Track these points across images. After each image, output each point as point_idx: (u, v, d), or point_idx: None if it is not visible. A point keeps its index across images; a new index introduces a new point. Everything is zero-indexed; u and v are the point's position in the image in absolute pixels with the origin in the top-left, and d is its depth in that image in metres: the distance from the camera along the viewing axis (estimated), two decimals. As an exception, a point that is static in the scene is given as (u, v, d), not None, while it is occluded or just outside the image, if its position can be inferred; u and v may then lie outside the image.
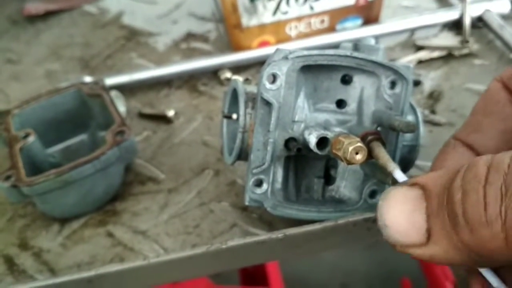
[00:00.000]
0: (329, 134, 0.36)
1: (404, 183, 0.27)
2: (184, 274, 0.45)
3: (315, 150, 0.36)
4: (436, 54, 0.60)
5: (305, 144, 0.38)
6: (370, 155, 0.34)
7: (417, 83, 0.57)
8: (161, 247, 0.44)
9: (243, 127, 0.40)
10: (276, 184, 0.41)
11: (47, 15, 0.80)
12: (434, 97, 0.55)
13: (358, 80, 0.40)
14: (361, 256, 1.50)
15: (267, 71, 0.37)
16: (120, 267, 0.42)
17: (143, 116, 0.59)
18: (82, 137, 0.55)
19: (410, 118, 0.43)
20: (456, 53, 0.60)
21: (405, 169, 0.44)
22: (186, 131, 0.56)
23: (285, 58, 0.37)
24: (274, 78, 0.38)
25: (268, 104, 0.38)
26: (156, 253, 0.43)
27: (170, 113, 0.57)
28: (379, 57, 0.40)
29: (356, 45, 0.43)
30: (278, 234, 0.41)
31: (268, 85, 0.37)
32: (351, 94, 0.41)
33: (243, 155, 0.41)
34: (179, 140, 0.55)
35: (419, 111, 0.43)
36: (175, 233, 0.45)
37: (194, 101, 0.60)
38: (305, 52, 0.38)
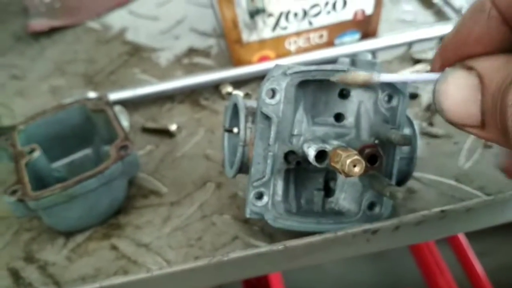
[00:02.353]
0: (327, 147, 0.37)
1: (460, 65, 0.28)
2: (187, 286, 0.46)
3: (314, 163, 0.37)
4: (433, 67, 0.61)
5: (304, 157, 0.39)
6: (368, 168, 0.35)
7: (414, 96, 0.58)
8: (164, 259, 0.45)
9: (244, 141, 0.41)
10: (276, 197, 0.41)
11: (51, 31, 0.82)
12: (431, 109, 0.56)
13: (356, 94, 0.41)
14: (365, 267, 1.49)
15: (266, 86, 0.39)
16: (124, 279, 0.43)
17: (146, 130, 0.60)
18: (86, 151, 0.56)
19: (407, 131, 0.44)
20: (453, 66, 0.61)
21: (403, 181, 0.45)
22: (188, 145, 0.57)
23: (284, 73, 0.39)
24: (273, 93, 0.39)
25: (267, 118, 0.39)
26: (159, 266, 0.44)
27: (173, 127, 0.58)
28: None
29: (353, 60, 0.44)
30: (279, 246, 0.42)
31: (267, 100, 0.39)
32: (349, 108, 0.42)
33: (244, 168, 0.42)
34: (181, 154, 0.56)
35: (416, 123, 0.44)
36: (177, 245, 0.46)
37: (196, 115, 0.61)
38: (303, 68, 0.39)
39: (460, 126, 0.28)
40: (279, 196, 0.42)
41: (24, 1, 0.90)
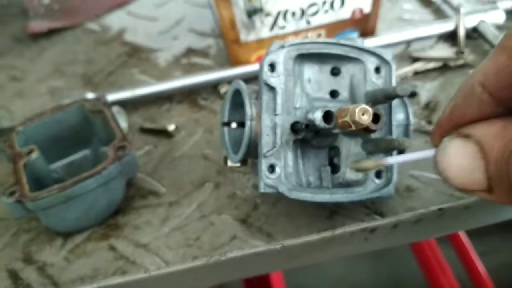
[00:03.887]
0: (332, 109, 0.38)
1: (457, 133, 0.28)
2: (185, 286, 0.46)
3: (322, 124, 0.38)
4: (432, 65, 0.61)
5: (311, 123, 0.40)
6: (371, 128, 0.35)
7: (413, 94, 0.58)
8: (162, 260, 0.45)
9: (250, 115, 0.41)
10: (288, 168, 0.41)
11: (50, 33, 0.82)
12: (430, 107, 0.56)
13: (346, 70, 0.44)
14: (366, 266, 1.49)
15: (266, 60, 0.41)
16: (122, 280, 0.43)
17: (144, 130, 0.60)
18: (84, 152, 0.56)
19: (400, 115, 0.45)
20: (452, 64, 0.61)
21: (403, 151, 0.45)
22: (187, 145, 0.57)
23: (281, 47, 0.41)
24: (273, 66, 0.41)
25: (271, 89, 0.41)
26: (157, 266, 0.44)
27: (171, 127, 0.58)
28: (359, 44, 0.44)
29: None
30: (276, 245, 0.42)
31: (269, 73, 0.41)
32: (342, 84, 0.44)
33: (251, 148, 0.42)
34: (180, 154, 0.56)
35: (407, 101, 0.45)
36: (176, 245, 0.46)
37: (195, 115, 0.61)
38: (298, 41, 0.42)
39: (467, 192, 0.28)
40: (290, 168, 0.41)
41: (23, 3, 0.91)
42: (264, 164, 0.40)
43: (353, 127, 0.35)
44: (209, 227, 0.47)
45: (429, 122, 0.54)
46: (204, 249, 0.45)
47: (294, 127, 0.41)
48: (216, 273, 0.44)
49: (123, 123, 0.59)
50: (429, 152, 0.30)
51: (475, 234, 1.21)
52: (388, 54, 0.43)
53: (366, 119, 0.35)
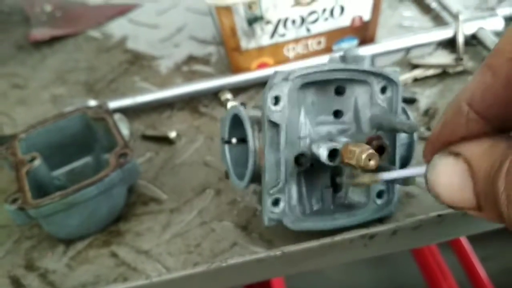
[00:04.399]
0: (338, 145, 0.37)
1: (447, 151, 0.29)
2: (186, 292, 0.46)
3: (327, 162, 0.37)
4: (431, 72, 0.62)
5: (315, 158, 0.40)
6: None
7: (412, 101, 0.58)
8: (163, 266, 0.45)
9: (254, 151, 0.41)
10: (292, 201, 0.41)
11: (52, 40, 0.82)
12: (429, 114, 0.56)
13: (351, 90, 0.42)
14: (367, 272, 1.49)
15: (270, 94, 0.38)
16: (124, 286, 0.44)
17: (146, 137, 0.60)
18: (86, 159, 0.57)
19: (402, 117, 0.44)
20: (451, 70, 0.61)
21: (404, 165, 0.45)
22: (188, 152, 0.57)
23: (285, 79, 0.38)
24: (277, 100, 0.39)
25: (275, 125, 0.39)
26: (159, 273, 0.44)
27: (172, 134, 0.59)
28: (366, 65, 0.43)
29: (344, 56, 0.44)
30: (277, 252, 0.42)
31: (273, 108, 0.38)
32: (346, 103, 0.42)
33: (254, 177, 0.42)
34: (181, 160, 0.56)
35: (408, 110, 0.45)
36: (177, 252, 0.46)
37: (196, 122, 0.61)
38: (304, 71, 0.39)
39: (457, 209, 0.29)
40: (294, 200, 0.42)
41: (25, 10, 0.91)
42: (268, 200, 0.40)
43: (360, 171, 0.35)
44: (209, 234, 0.47)
45: (429, 129, 0.54)
46: (205, 255, 0.45)
47: (299, 161, 0.40)
48: (216, 280, 0.45)
49: (124, 130, 0.59)
50: (422, 169, 0.31)
51: (476, 239, 1.21)
52: (395, 74, 0.42)
53: (373, 164, 0.34)
